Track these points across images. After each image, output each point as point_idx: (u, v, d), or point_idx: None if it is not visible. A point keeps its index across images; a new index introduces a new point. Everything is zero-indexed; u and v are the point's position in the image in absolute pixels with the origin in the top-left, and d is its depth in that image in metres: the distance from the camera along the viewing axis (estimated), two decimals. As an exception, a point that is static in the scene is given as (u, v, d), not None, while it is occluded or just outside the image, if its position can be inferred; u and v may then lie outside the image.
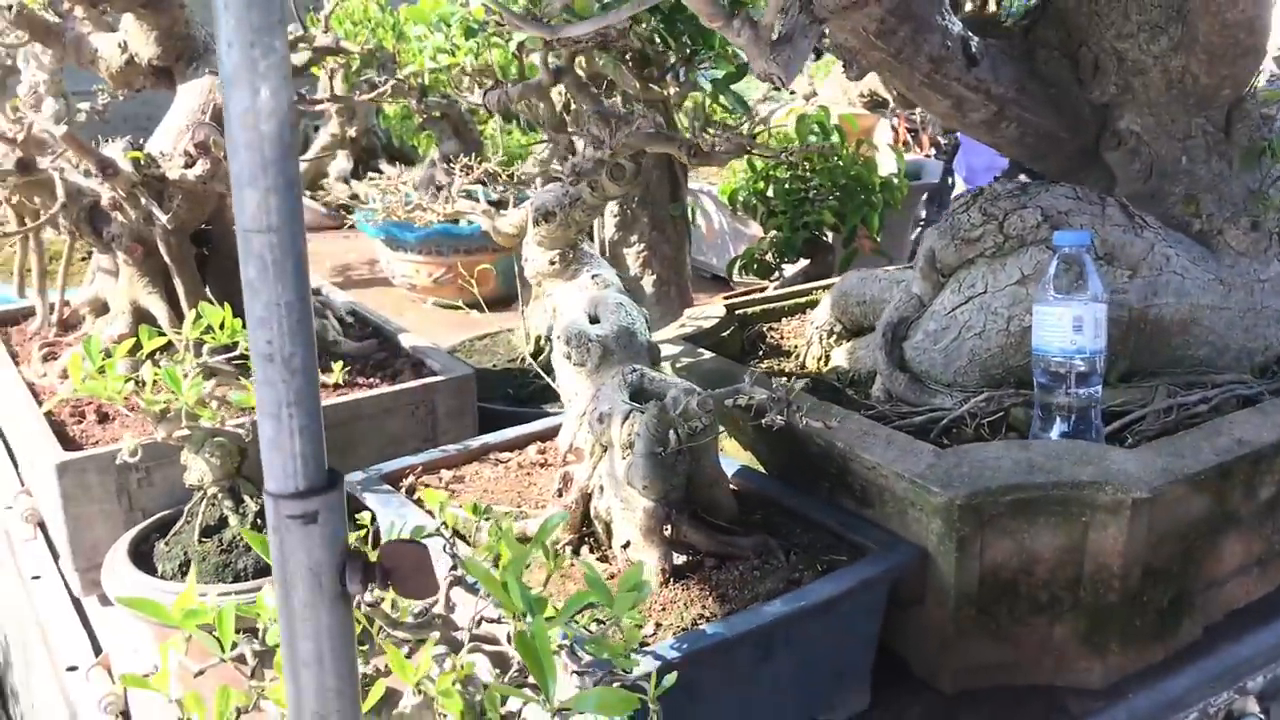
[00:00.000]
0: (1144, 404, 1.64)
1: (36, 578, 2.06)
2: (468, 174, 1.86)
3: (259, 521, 1.68)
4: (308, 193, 4.34)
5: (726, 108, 2.09)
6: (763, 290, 2.95)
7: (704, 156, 1.41)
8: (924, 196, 3.84)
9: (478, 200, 1.80)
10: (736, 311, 2.08)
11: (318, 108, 1.84)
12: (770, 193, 2.73)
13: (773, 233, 2.75)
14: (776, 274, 2.81)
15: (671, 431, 1.41)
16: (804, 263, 2.81)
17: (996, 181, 1.69)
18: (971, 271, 1.66)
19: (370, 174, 4.23)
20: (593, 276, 1.63)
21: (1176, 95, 1.66)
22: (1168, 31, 1.62)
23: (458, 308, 2.60)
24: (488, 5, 1.59)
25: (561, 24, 1.21)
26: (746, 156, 2.80)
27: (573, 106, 2.45)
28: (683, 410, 1.37)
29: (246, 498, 1.72)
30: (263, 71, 0.60)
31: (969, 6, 1.78)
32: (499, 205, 2.01)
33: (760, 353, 2.02)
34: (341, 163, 4.41)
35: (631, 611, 1.27)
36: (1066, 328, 1.50)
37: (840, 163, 2.65)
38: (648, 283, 2.45)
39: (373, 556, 0.74)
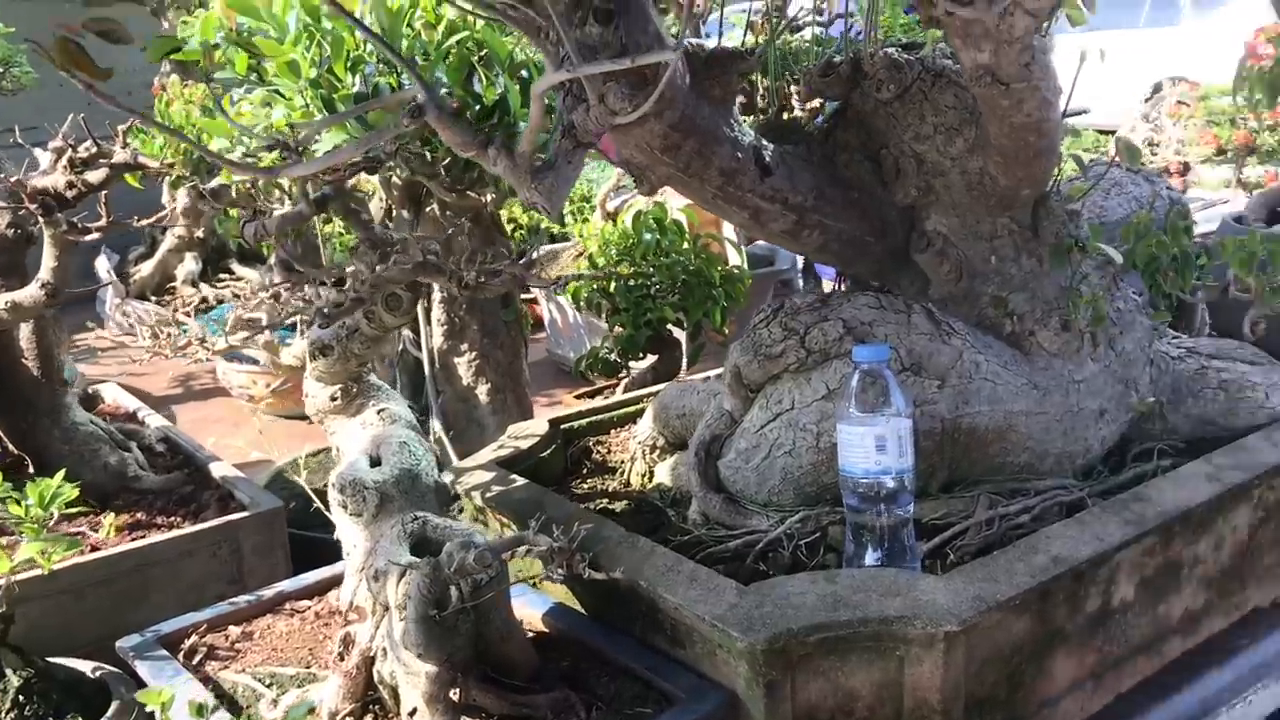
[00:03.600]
0: (966, 515, 1.57)
1: None
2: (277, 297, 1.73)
3: (20, 698, 1.52)
4: (154, 298, 4.15)
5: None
6: (613, 387, 2.87)
7: (474, 290, 1.32)
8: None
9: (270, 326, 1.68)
10: (562, 426, 1.98)
11: (89, 237, 1.72)
12: (613, 289, 2.65)
13: (617, 330, 2.67)
14: (624, 372, 2.73)
15: (453, 588, 1.30)
16: (652, 359, 2.74)
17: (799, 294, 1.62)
18: (779, 387, 1.59)
19: (221, 275, 4.07)
20: (378, 411, 1.52)
21: (978, 196, 1.63)
22: (963, 134, 1.59)
23: (289, 417, 2.46)
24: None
25: (282, 164, 1.11)
26: (587, 254, 2.74)
27: (394, 212, 2.36)
28: (458, 567, 1.26)
29: (8, 670, 1.56)
30: None
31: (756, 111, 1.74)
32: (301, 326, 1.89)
33: (584, 470, 1.93)
34: (190, 264, 4.24)
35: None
36: (870, 448, 1.43)
37: (679, 258, 2.59)
38: (482, 392, 2.34)
39: None
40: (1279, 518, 1.78)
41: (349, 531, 1.42)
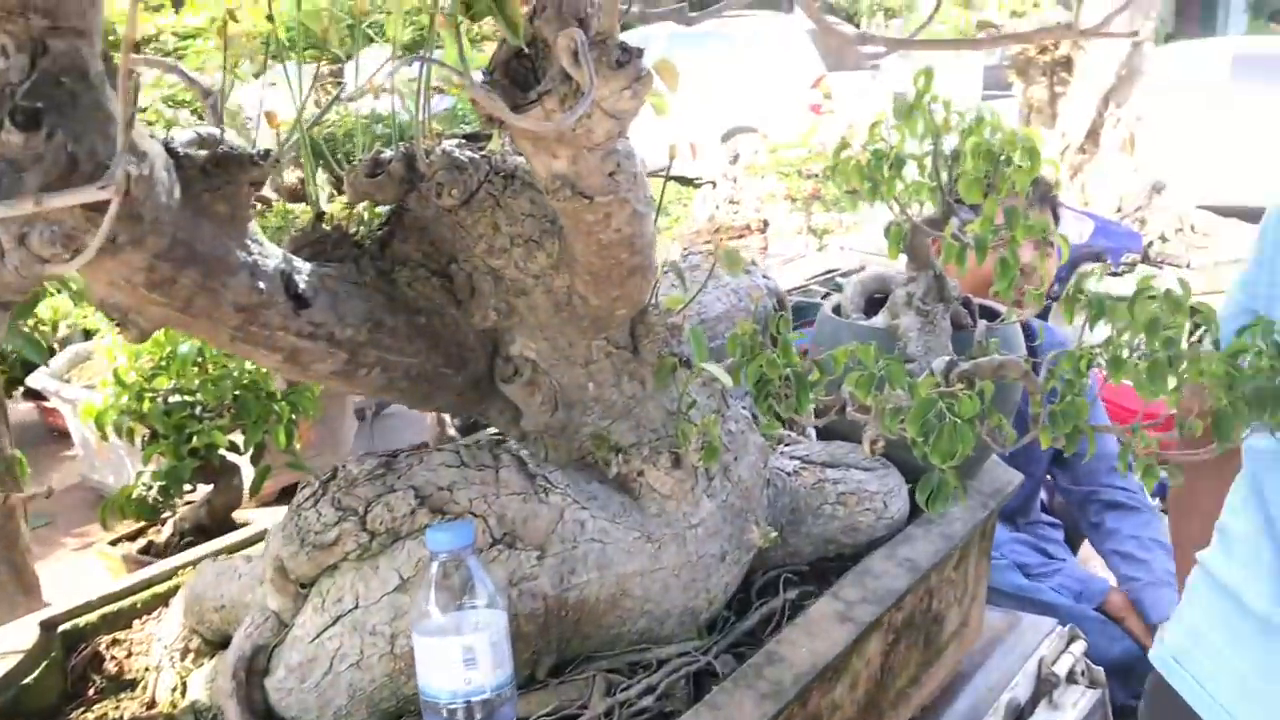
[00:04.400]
0: (581, 705, 1.30)
1: None
2: None
3: None
4: None
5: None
6: (158, 527, 2.38)
7: None
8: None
9: None
10: (60, 629, 1.51)
11: None
12: (147, 410, 2.17)
13: (158, 460, 2.20)
14: (168, 512, 2.25)
15: None
16: (206, 489, 2.28)
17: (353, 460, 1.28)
18: (337, 581, 1.24)
19: None
20: None
21: (568, 318, 1.36)
22: (544, 247, 1.32)
23: None
24: None
25: None
26: (114, 368, 2.24)
27: None
28: None
29: None
30: None
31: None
32: None
33: (94, 689, 1.46)
34: None
35: None
36: (456, 662, 1.11)
37: (230, 369, 2.16)
38: (-37, 570, 1.81)
39: None
40: (907, 636, 1.66)
41: None
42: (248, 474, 2.32)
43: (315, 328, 1.24)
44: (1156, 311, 1.29)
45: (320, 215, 1.36)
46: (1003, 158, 1.44)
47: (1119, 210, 5.63)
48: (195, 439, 2.14)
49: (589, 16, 1.07)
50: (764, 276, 1.99)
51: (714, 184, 5.62)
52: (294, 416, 2.25)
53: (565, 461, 1.45)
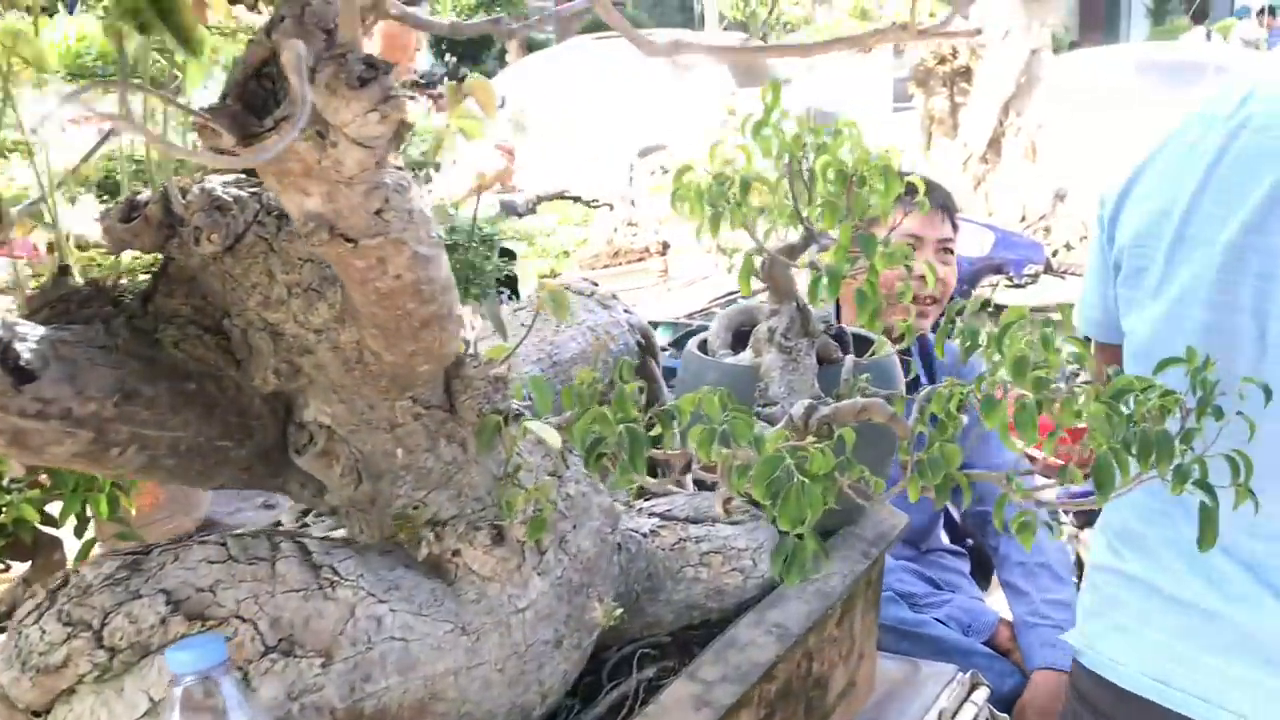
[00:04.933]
0: (390, 830, 1.11)
1: None
2: None
3: None
4: None
5: None
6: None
7: None
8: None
9: None
10: None
11: None
12: (-49, 484, 1.94)
13: (-36, 538, 1.96)
14: (-24, 595, 2.02)
15: None
16: (23, 568, 2.05)
17: (92, 564, 1.08)
18: (75, 707, 1.03)
19: None
20: None
21: (362, 377, 1.17)
22: (326, 297, 1.13)
23: None
24: None
25: None
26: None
27: None
28: None
29: None
30: None
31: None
32: None
33: None
34: None
35: None
36: (205, 810, 0.92)
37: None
38: None
39: None
40: (783, 709, 1.50)
41: None
42: (73, 546, 2.09)
43: (45, 405, 1.04)
44: (1025, 349, 1.14)
45: (65, 269, 1.16)
46: (856, 177, 1.29)
47: (1023, 219, 5.58)
48: (2, 514, 1.91)
49: (336, 28, 0.90)
50: (625, 311, 1.83)
51: (611, 206, 5.46)
52: (118, 483, 2.03)
53: (379, 538, 1.27)
